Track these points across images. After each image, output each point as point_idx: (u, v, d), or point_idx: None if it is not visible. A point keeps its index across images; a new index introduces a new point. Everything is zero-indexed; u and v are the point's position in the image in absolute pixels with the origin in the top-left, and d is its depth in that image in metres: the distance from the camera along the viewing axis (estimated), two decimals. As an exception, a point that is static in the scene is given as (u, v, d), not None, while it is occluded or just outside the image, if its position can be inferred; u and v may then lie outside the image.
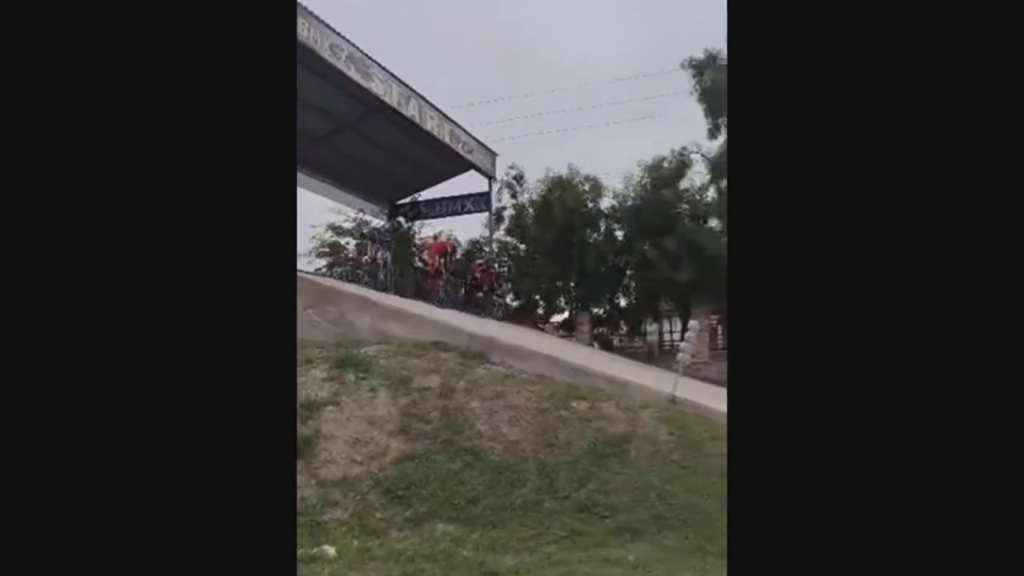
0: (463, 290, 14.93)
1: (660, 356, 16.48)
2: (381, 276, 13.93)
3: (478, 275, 14.68)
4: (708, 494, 6.31)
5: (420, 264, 15.42)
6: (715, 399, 10.19)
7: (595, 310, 18.97)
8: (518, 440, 7.28)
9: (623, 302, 19.20)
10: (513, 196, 19.42)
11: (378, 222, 18.27)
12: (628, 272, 18.39)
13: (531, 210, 18.93)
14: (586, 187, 18.27)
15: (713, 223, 17.36)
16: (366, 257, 14.47)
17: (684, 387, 9.06)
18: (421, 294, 13.86)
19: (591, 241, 18.19)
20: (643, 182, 17.74)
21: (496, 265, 15.73)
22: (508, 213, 19.49)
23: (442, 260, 14.58)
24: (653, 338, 19.02)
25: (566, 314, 19.35)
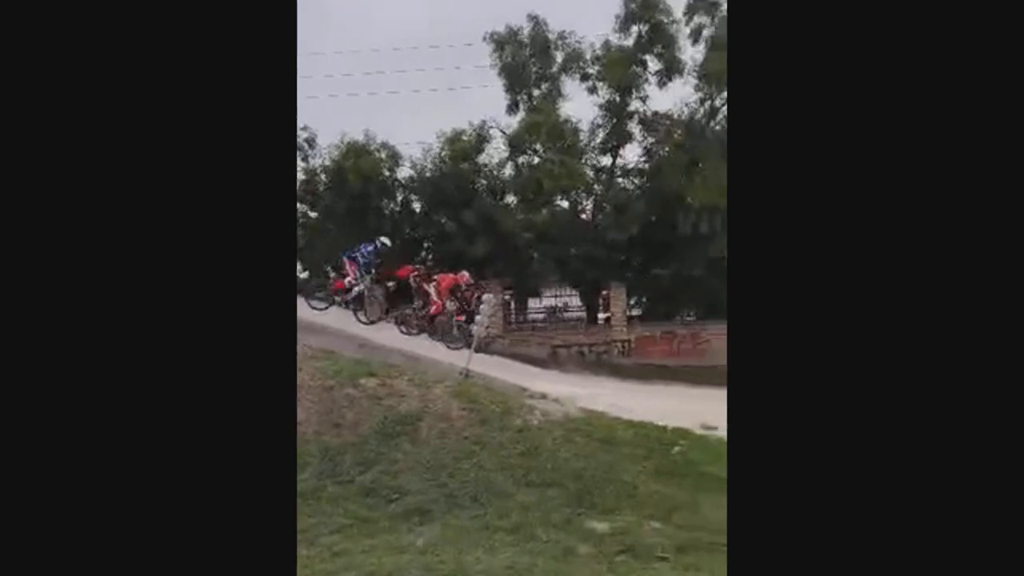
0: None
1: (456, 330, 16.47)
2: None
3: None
4: (500, 468, 6.25)
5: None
6: (507, 372, 10.31)
7: (390, 284, 18.43)
8: (299, 422, 6.65)
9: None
10: (304, 160, 18.15)
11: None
12: (425, 245, 18.10)
13: (323, 176, 17.82)
14: (383, 155, 17.57)
15: (510, 199, 17.63)
16: None
17: (478, 361, 9.00)
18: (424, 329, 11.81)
19: (387, 212, 17.60)
20: (442, 154, 17.48)
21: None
22: (298, 178, 18.20)
23: (454, 295, 12.24)
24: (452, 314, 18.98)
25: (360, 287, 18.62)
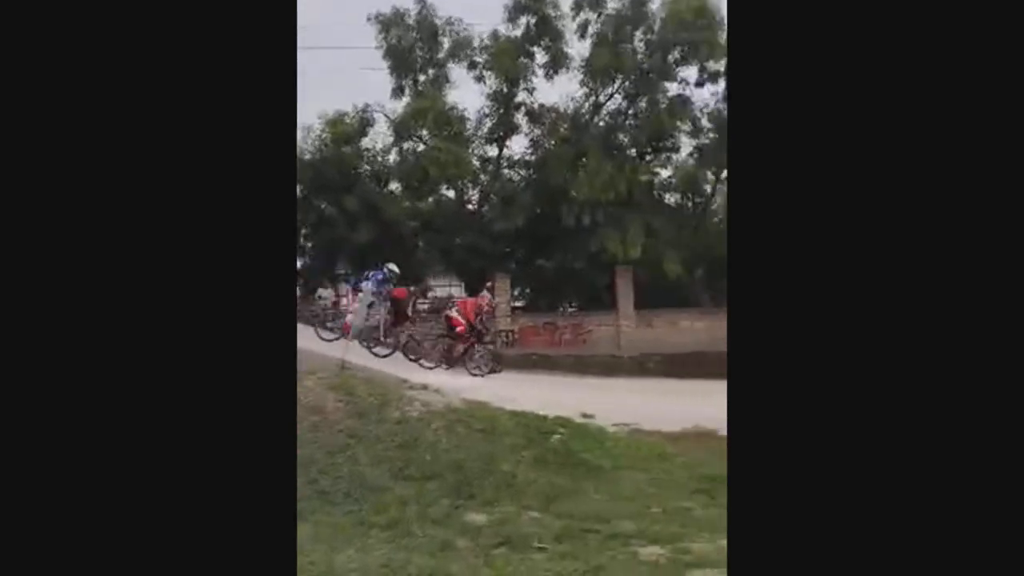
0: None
1: (336, 320, 15.93)
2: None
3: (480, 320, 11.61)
4: (376, 462, 6.04)
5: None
6: (389, 363, 10.05)
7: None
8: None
9: (298, 262, 18.12)
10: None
11: None
12: (304, 231, 17.36)
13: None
14: (260, 135, 16.65)
15: (394, 186, 17.22)
16: None
17: (357, 352, 8.70)
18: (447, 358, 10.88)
19: (264, 195, 16.72)
20: (323, 136, 16.78)
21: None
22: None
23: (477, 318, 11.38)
24: (328, 301, 18.34)
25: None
